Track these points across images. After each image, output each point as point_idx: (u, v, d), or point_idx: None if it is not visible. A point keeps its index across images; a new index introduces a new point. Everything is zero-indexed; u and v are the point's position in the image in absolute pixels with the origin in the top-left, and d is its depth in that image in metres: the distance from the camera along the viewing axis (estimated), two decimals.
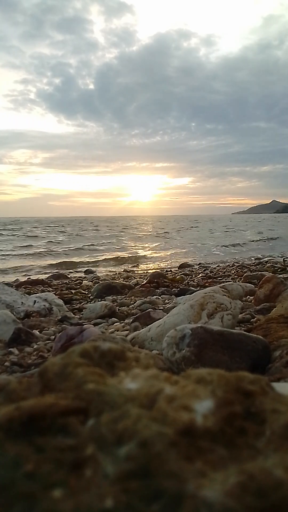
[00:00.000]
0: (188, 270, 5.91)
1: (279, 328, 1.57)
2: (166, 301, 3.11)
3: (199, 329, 1.32)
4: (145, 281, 4.14)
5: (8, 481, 0.29)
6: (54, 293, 3.25)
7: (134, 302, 3.02)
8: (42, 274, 6.44)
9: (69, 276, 5.67)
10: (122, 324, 2.36)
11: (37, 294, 3.03)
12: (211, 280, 4.43)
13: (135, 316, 2.38)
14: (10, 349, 1.89)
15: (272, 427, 0.34)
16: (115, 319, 2.51)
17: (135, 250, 11.30)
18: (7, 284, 3.98)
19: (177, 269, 6.40)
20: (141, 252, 10.67)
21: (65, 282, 4.90)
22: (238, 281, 4.05)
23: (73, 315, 2.68)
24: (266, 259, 7.33)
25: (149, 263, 8.41)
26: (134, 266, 7.69)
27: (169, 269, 6.35)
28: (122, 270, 6.87)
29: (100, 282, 4.20)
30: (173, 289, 3.72)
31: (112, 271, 6.63)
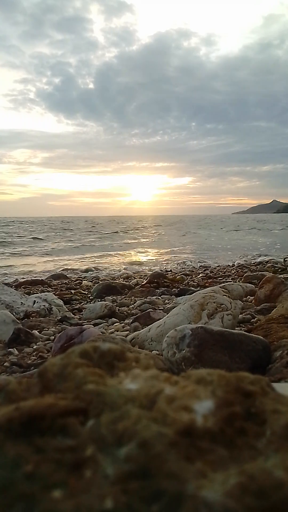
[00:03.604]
0: (188, 270, 5.91)
1: (280, 329, 1.57)
2: (166, 301, 3.11)
3: (199, 329, 1.32)
4: (145, 281, 4.13)
5: (8, 482, 0.29)
6: (54, 293, 3.25)
7: (134, 302, 3.02)
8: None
9: (68, 276, 5.67)
10: (122, 324, 2.36)
11: (37, 294, 3.03)
12: (211, 280, 4.43)
13: (135, 317, 2.38)
14: (9, 349, 1.89)
15: (272, 428, 0.34)
16: (115, 319, 2.51)
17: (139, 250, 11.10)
18: (7, 284, 3.98)
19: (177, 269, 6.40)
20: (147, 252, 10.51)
21: (65, 282, 4.89)
22: (239, 281, 4.05)
23: (73, 315, 2.68)
24: (266, 259, 7.32)
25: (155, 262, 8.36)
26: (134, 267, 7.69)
27: (169, 269, 6.34)
28: (122, 269, 6.87)
29: (100, 282, 4.20)
30: (173, 289, 3.72)
31: (113, 271, 6.62)
